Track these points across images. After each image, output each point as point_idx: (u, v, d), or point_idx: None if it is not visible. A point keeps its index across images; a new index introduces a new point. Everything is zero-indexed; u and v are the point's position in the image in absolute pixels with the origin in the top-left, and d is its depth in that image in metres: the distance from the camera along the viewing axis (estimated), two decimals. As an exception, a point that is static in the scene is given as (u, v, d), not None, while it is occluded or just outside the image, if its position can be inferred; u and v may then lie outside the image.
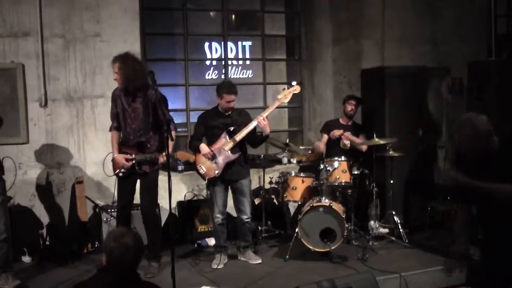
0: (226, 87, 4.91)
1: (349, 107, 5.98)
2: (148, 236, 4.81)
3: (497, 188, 3.14)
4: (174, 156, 4.67)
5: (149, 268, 4.71)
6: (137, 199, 4.89)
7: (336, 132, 5.89)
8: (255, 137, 5.07)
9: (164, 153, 4.40)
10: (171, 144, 4.01)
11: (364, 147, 5.88)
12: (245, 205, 5.04)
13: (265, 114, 4.90)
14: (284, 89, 5.08)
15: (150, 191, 4.80)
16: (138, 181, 4.83)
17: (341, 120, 6.06)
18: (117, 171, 4.77)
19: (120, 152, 4.76)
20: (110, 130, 4.86)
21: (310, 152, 6.27)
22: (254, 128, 4.94)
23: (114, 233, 2.73)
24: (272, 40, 7.31)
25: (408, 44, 6.84)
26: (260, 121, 4.83)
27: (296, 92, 5.09)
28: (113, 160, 4.83)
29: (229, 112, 4.98)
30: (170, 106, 6.50)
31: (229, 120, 4.97)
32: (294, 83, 5.19)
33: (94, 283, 2.67)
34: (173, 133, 4.44)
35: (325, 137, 6.05)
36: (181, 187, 5.97)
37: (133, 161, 4.66)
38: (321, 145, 6.07)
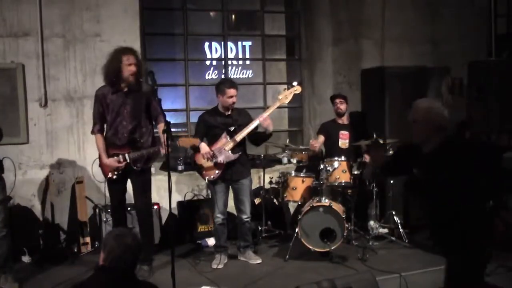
0: (227, 82, 4.94)
1: (335, 106, 5.94)
2: (143, 238, 4.54)
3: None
4: (177, 144, 4.55)
5: (140, 271, 4.54)
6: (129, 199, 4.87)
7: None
8: (258, 136, 5.07)
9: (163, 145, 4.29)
10: (162, 136, 4.07)
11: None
12: (246, 205, 5.03)
13: (265, 114, 4.91)
14: (285, 89, 5.08)
15: (145, 192, 4.72)
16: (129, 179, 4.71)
17: (338, 120, 6.04)
18: (110, 175, 4.61)
19: (110, 155, 4.57)
20: (93, 133, 4.64)
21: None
22: (256, 127, 4.94)
23: (114, 232, 2.75)
24: (272, 40, 7.31)
25: (408, 44, 6.84)
26: (262, 122, 4.82)
27: (297, 92, 5.08)
28: (103, 165, 4.64)
29: (230, 112, 4.97)
30: (170, 106, 6.58)
31: (230, 120, 4.97)
32: (295, 83, 5.18)
33: (92, 283, 2.67)
34: (160, 125, 4.43)
35: (322, 138, 6.03)
36: (181, 187, 5.97)
37: (127, 161, 4.51)
38: (316, 144, 5.94)
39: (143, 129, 4.62)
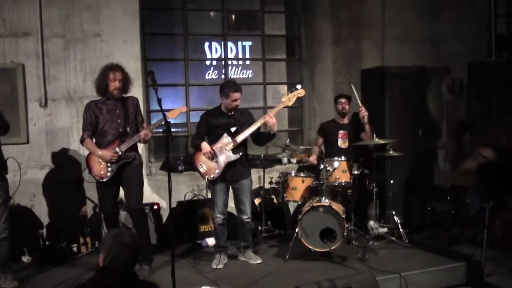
0: (232, 85, 4.90)
1: (340, 106, 5.94)
2: (140, 238, 4.60)
3: None
4: (166, 117, 4.55)
5: (140, 271, 4.57)
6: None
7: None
8: (261, 136, 5.07)
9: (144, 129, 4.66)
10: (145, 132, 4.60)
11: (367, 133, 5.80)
12: (246, 205, 5.03)
13: (271, 113, 4.89)
14: (289, 92, 5.07)
15: (137, 190, 4.75)
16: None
17: (337, 120, 6.04)
18: (102, 173, 4.64)
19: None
20: (83, 139, 4.74)
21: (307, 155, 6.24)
22: (258, 128, 4.94)
23: (112, 232, 2.76)
24: (272, 40, 7.30)
25: (408, 44, 6.84)
26: (269, 120, 4.82)
27: (300, 95, 5.08)
28: (92, 165, 4.67)
29: (232, 112, 4.97)
30: (170, 106, 6.56)
31: (232, 120, 4.96)
32: (299, 86, 5.14)
33: (93, 284, 2.67)
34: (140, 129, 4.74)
35: (320, 140, 6.06)
36: (181, 187, 5.97)
37: (119, 152, 4.63)
38: (314, 156, 5.97)
39: (129, 130, 4.74)
